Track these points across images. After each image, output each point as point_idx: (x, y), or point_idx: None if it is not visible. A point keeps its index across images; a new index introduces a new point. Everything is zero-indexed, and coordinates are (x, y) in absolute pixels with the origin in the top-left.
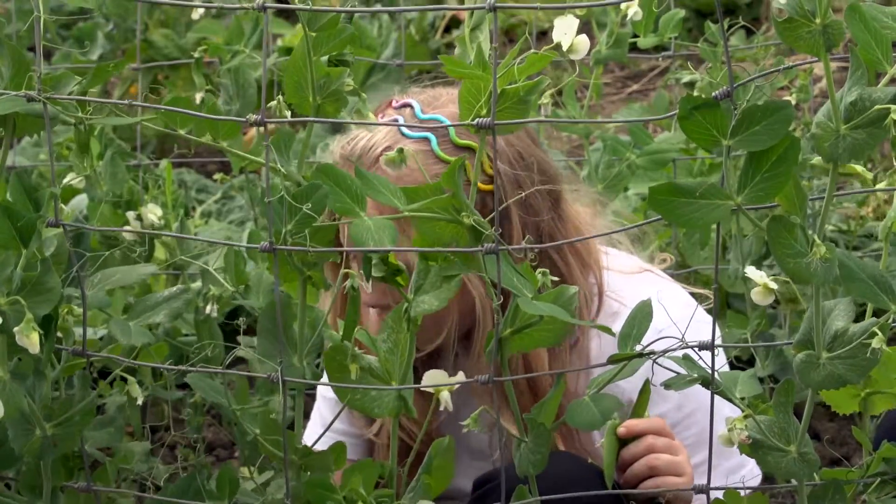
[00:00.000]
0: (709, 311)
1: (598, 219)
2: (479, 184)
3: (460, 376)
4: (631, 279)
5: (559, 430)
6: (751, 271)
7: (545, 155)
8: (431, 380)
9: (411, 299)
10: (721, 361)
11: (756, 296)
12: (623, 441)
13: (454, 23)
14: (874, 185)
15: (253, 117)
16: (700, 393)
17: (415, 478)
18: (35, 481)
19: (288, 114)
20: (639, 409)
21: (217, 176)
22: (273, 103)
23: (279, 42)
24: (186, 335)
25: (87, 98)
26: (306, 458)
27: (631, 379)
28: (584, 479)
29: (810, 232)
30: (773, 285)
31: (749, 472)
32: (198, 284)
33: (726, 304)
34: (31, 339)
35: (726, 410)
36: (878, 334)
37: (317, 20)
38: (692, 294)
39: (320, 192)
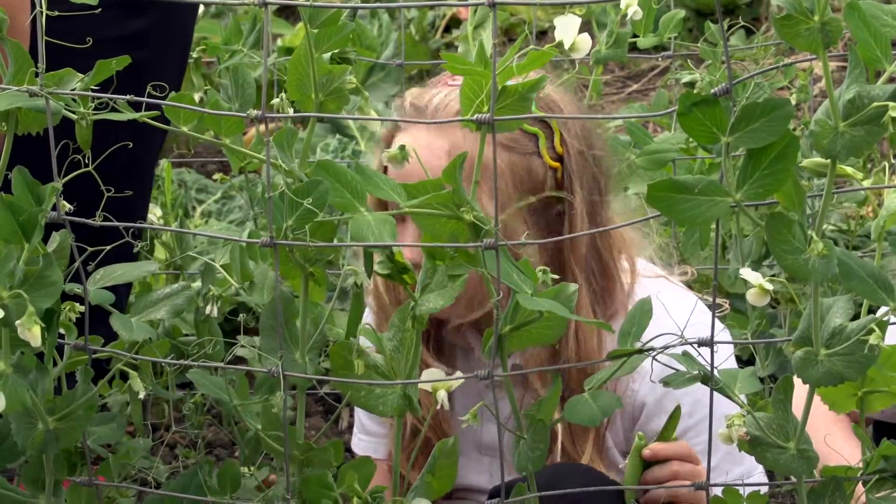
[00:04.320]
0: (722, 319)
1: (629, 232)
2: (549, 159)
3: (458, 373)
4: (646, 282)
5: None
6: (746, 272)
7: (609, 158)
8: (429, 378)
9: (417, 298)
10: (729, 363)
11: (752, 297)
12: (648, 462)
13: (454, 22)
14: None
15: (254, 112)
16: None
17: (419, 476)
18: (37, 475)
19: (291, 111)
20: (666, 432)
21: (217, 176)
22: (276, 101)
23: (279, 42)
24: (186, 335)
25: (88, 93)
26: (308, 454)
27: (644, 382)
28: (605, 497)
29: (808, 229)
30: (769, 286)
31: (757, 479)
32: (197, 284)
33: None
34: (33, 333)
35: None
36: (875, 331)
37: (318, 17)
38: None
39: (321, 188)
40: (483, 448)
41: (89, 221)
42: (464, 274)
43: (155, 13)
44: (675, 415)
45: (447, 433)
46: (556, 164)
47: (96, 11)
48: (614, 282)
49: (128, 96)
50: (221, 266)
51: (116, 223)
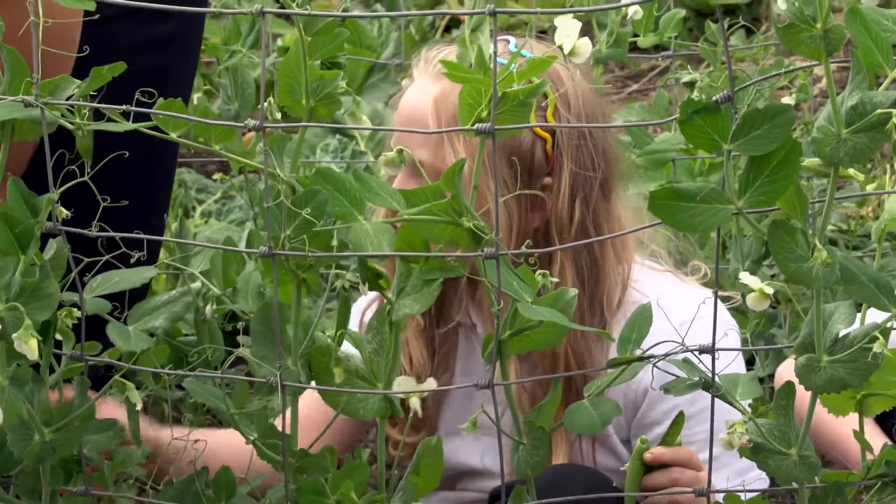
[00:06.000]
0: (734, 314)
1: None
2: (537, 129)
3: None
4: (656, 275)
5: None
6: (745, 277)
7: (613, 143)
8: (402, 385)
9: (394, 302)
10: (736, 363)
11: (752, 301)
12: (649, 466)
13: (454, 23)
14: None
15: (251, 122)
16: None
17: (403, 477)
18: (34, 485)
19: (279, 115)
20: (669, 437)
21: (217, 176)
22: (265, 104)
23: (279, 42)
24: (186, 335)
25: (83, 104)
26: (303, 461)
27: (647, 369)
28: (605, 499)
29: (811, 235)
30: (769, 290)
31: (760, 473)
32: (197, 285)
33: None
34: (29, 346)
35: (734, 411)
36: (878, 338)
37: (314, 24)
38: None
39: (319, 198)
40: (483, 427)
41: (84, 232)
42: (438, 278)
43: (179, 18)
44: (679, 420)
45: (441, 409)
46: (546, 136)
47: (119, 17)
48: (606, 265)
49: (119, 106)
50: (201, 272)
51: (115, 234)
